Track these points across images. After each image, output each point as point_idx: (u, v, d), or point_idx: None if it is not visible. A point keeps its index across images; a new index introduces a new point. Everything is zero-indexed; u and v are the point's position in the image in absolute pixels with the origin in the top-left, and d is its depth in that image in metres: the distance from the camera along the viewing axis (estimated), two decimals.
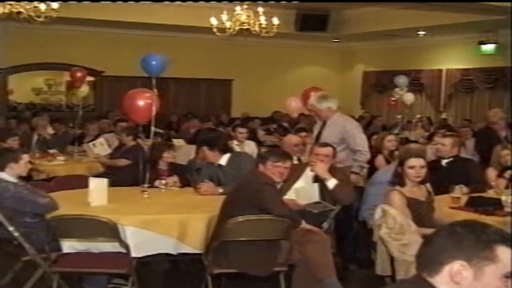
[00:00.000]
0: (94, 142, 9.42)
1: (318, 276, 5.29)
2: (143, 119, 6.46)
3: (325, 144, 6.56)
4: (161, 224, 5.21)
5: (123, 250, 5.07)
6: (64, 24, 13.44)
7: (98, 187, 5.62)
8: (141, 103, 6.26)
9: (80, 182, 6.37)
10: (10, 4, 10.01)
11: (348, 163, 7.12)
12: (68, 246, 5.22)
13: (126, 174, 7.88)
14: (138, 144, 8.28)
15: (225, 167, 6.49)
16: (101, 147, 9.24)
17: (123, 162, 8.56)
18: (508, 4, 10.71)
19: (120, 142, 9.10)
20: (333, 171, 6.17)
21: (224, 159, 6.54)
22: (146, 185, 6.14)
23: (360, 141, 7.20)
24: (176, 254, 5.38)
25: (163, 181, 6.46)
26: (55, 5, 10.20)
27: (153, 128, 6.41)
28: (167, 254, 5.45)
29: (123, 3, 13.78)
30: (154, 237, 5.17)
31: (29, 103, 18.83)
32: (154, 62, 6.62)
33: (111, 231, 4.92)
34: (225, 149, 6.66)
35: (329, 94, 7.54)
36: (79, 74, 12.29)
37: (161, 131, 10.95)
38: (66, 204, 5.47)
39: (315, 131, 7.59)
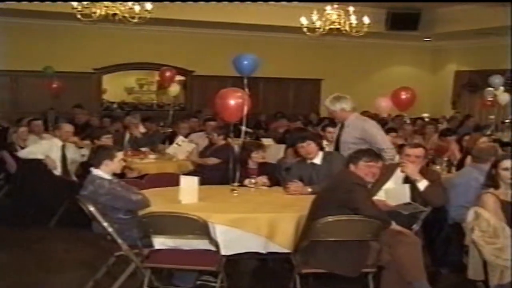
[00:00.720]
0: (176, 142, 9.50)
1: (408, 279, 5.20)
2: (234, 118, 6.51)
3: (417, 145, 6.46)
4: (250, 222, 5.24)
5: (213, 248, 5.13)
6: (156, 25, 13.66)
7: (189, 185, 5.69)
8: (232, 102, 6.31)
9: (171, 180, 6.47)
10: (106, 7, 10.27)
11: None
12: (160, 242, 5.30)
13: (216, 172, 7.96)
14: (228, 143, 8.34)
15: (319, 166, 6.49)
16: (185, 143, 9.34)
17: (212, 160, 8.63)
18: None
19: (210, 141, 9.18)
20: (424, 172, 6.06)
21: (318, 158, 6.54)
22: (235, 184, 6.19)
23: (382, 139, 7.05)
24: (265, 253, 5.39)
25: (253, 180, 6.48)
26: (149, 6, 10.40)
27: (244, 128, 6.45)
28: (256, 253, 5.44)
29: (215, 3, 13.93)
30: (243, 236, 5.21)
31: (121, 102, 19.27)
32: (246, 62, 6.66)
33: (202, 229, 4.98)
34: (321, 148, 6.70)
35: (343, 95, 7.34)
36: (168, 74, 12.52)
37: (250, 130, 10.99)
38: (157, 201, 5.58)
39: (336, 133, 7.53)
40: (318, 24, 11.78)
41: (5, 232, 8.01)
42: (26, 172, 8.71)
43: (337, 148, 7.18)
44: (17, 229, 8.11)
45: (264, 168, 7.01)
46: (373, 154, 5.61)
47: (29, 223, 8.38)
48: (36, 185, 8.42)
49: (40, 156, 8.52)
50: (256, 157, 7.01)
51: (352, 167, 5.40)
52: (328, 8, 11.69)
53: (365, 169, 5.36)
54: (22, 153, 8.87)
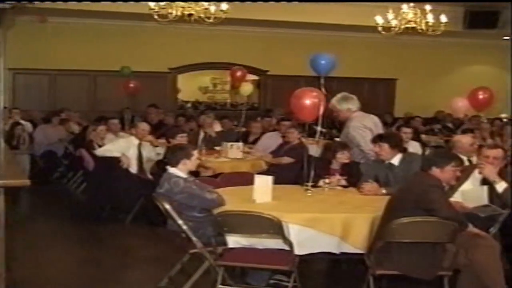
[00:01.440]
0: (231, 143, 9.49)
1: (485, 284, 5.07)
2: (310, 118, 6.51)
3: (495, 146, 6.32)
4: (324, 222, 5.22)
5: (286, 247, 5.13)
6: (231, 25, 13.76)
7: (263, 185, 5.71)
8: (308, 102, 6.31)
9: (245, 179, 6.51)
10: (182, 7, 10.41)
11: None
12: (233, 241, 5.32)
13: (289, 172, 7.96)
14: (302, 142, 8.34)
15: (396, 167, 6.42)
16: (236, 150, 9.32)
17: (286, 160, 8.64)
18: None
19: (284, 140, 9.19)
20: (502, 173, 5.91)
21: (397, 159, 6.47)
22: (309, 184, 6.18)
23: (361, 139, 7.14)
24: (338, 253, 5.36)
25: (327, 180, 6.46)
26: (224, 6, 10.49)
27: (318, 128, 6.43)
28: (329, 253, 5.42)
29: (289, 4, 13.94)
30: (317, 235, 5.19)
31: (196, 101, 19.49)
32: (323, 62, 6.64)
33: (276, 228, 4.99)
34: (402, 149, 6.64)
35: (351, 96, 7.37)
36: (238, 73, 12.57)
37: (324, 130, 10.95)
38: (231, 200, 5.61)
39: None
40: (393, 23, 11.66)
41: (82, 228, 8.22)
42: (103, 170, 8.90)
43: None
44: (94, 225, 8.31)
45: (347, 169, 6.93)
46: (459, 158, 5.51)
47: (105, 219, 8.59)
48: (112, 183, 8.58)
49: (116, 154, 8.68)
50: (341, 157, 6.93)
51: (436, 170, 5.25)
52: (405, 6, 11.56)
53: (452, 174, 5.25)
54: (100, 151, 9.07)
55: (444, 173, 5.22)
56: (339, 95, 7.40)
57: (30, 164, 11.38)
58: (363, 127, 7.27)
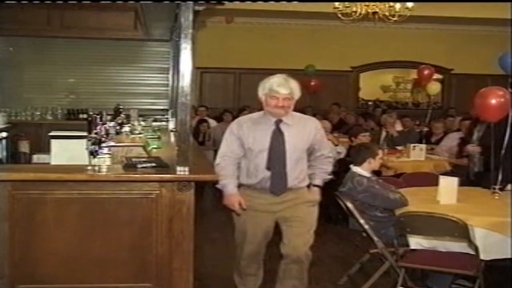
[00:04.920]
0: (414, 145, 9.26)
1: None
2: (495, 118, 6.28)
3: None
4: None
5: (471, 251, 4.98)
6: (414, 22, 13.55)
7: (447, 186, 5.57)
8: (494, 101, 6.09)
9: (428, 180, 6.39)
10: (367, 5, 10.40)
11: None
12: (415, 242, 5.25)
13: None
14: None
15: None
16: (419, 152, 9.08)
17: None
18: None
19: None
20: None
21: None
22: (497, 187, 5.94)
23: None
24: None
25: None
26: (410, 4, 10.36)
27: (508, 129, 6.18)
28: None
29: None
30: (504, 241, 4.98)
31: (376, 100, 19.34)
32: (510, 60, 6.39)
33: (461, 231, 4.85)
34: None
35: None
36: (426, 72, 12.30)
37: (508, 130, 10.49)
38: (414, 200, 5.52)
39: None
40: None
41: None
42: None
43: None
44: None
45: None
46: None
47: None
48: None
49: None
50: None
51: None
52: None
53: None
54: None
55: None
56: None
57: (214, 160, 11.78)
58: None
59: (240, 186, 4.96)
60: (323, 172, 5.09)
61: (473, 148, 7.39)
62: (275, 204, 4.90)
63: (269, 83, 4.79)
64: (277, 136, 4.81)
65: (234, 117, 12.95)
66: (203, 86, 16.11)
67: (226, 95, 16.18)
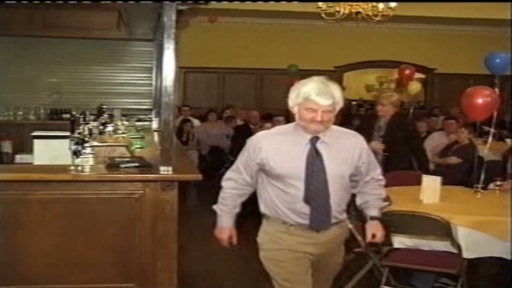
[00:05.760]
0: None
1: None
2: (481, 118, 6.32)
3: None
4: (495, 226, 5.02)
5: (454, 250, 5.00)
6: (397, 22, 13.62)
7: (430, 185, 5.59)
8: (480, 101, 6.13)
9: (411, 179, 6.41)
10: (350, 5, 10.43)
11: None
12: (399, 241, 5.26)
13: (457, 172, 7.76)
14: (472, 143, 8.10)
15: None
16: None
17: (453, 160, 8.43)
18: None
19: (453, 140, 8.97)
20: None
21: None
22: (479, 186, 5.98)
23: None
24: (509, 259, 5.15)
25: (498, 183, 6.22)
26: (393, 4, 10.40)
27: (492, 129, 6.23)
28: (499, 258, 5.23)
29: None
30: (487, 240, 5.01)
31: (360, 99, 19.40)
32: (498, 60, 6.44)
33: (443, 230, 4.89)
34: None
35: None
36: (407, 72, 12.36)
37: (493, 130, 10.58)
38: (398, 200, 5.52)
39: None
40: None
41: (247, 223, 8.39)
42: None
43: None
44: (259, 221, 8.45)
45: None
46: None
47: None
48: None
49: None
50: None
51: None
52: None
53: None
54: None
55: None
56: None
57: (198, 160, 11.80)
58: None
59: (261, 216, 3.99)
60: (378, 198, 4.10)
61: (375, 145, 6.97)
62: (313, 244, 3.79)
63: (304, 90, 3.62)
64: (314, 159, 3.65)
65: (219, 117, 13.04)
66: (187, 85, 16.10)
67: (210, 95, 16.17)
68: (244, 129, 11.59)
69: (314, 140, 3.66)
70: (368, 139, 6.18)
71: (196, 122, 12.79)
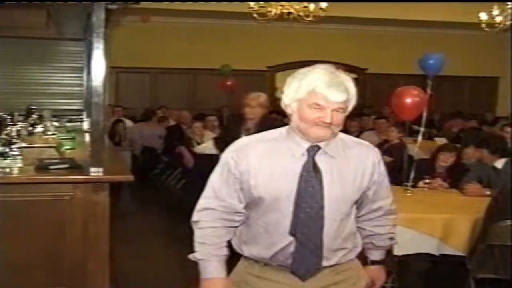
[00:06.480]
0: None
1: None
2: (411, 117, 6.44)
3: None
4: (424, 223, 5.15)
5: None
6: (329, 23, 13.75)
7: None
8: (409, 101, 6.24)
9: None
10: (282, 6, 10.49)
11: None
12: None
13: (388, 171, 7.87)
14: (402, 142, 8.24)
15: (500, 170, 6.24)
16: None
17: (384, 159, 8.53)
18: None
19: (383, 139, 9.11)
20: None
21: (500, 162, 6.29)
22: (409, 184, 6.09)
23: None
24: (438, 255, 5.27)
25: (427, 180, 6.35)
26: (324, 4, 10.50)
27: (417, 127, 6.35)
28: (428, 254, 5.34)
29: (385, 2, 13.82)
30: (416, 236, 5.13)
31: None
32: (432, 61, 6.57)
33: None
34: (504, 154, 6.42)
35: None
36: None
37: (423, 129, 10.79)
38: None
39: None
40: (498, 19, 11.36)
41: (181, 225, 8.34)
42: (202, 167, 9.02)
43: None
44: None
45: (453, 171, 6.73)
46: None
47: None
48: None
49: (215, 152, 8.79)
50: (444, 160, 6.78)
51: None
52: (510, 3, 11.24)
53: None
54: (199, 149, 9.21)
55: None
56: None
57: (131, 161, 11.70)
58: None
59: (234, 255, 2.89)
60: (386, 238, 3.03)
61: None
62: None
63: (309, 81, 2.65)
64: (310, 176, 2.65)
65: (150, 117, 12.93)
66: (119, 86, 15.92)
67: (143, 95, 16.03)
68: (176, 130, 11.55)
69: (313, 149, 2.67)
70: None
71: (128, 122, 12.67)
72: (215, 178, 2.81)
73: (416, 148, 6.65)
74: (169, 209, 9.47)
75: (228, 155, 2.76)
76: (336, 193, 2.66)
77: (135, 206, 9.79)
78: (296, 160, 2.66)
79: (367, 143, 2.95)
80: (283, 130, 2.78)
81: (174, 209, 9.31)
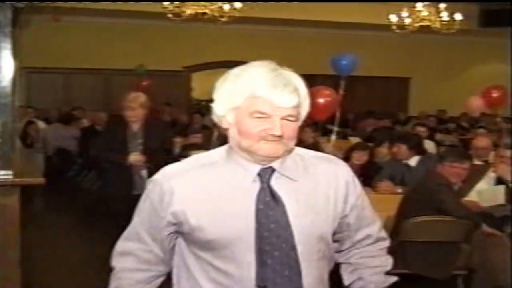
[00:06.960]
0: None
1: (500, 283, 5.07)
2: (323, 117, 6.53)
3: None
4: None
5: None
6: (245, 24, 13.80)
7: None
8: (321, 101, 6.33)
9: None
10: (196, 6, 10.47)
11: None
12: None
13: None
14: (317, 141, 8.34)
15: (413, 168, 6.39)
16: None
17: None
18: None
19: (298, 139, 9.20)
20: None
21: (414, 160, 6.44)
22: None
23: None
24: None
25: None
26: (238, 5, 10.54)
27: (330, 126, 6.44)
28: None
29: (300, 3, 13.95)
30: None
31: (210, 100, 19.43)
32: (344, 62, 6.67)
33: None
34: (420, 151, 6.58)
35: None
36: None
37: (337, 129, 10.96)
38: None
39: None
40: (407, 21, 11.66)
41: (96, 227, 8.24)
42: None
43: None
44: (109, 224, 8.33)
45: (367, 169, 6.84)
46: (459, 154, 5.46)
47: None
48: None
49: None
50: (357, 158, 6.88)
51: (439, 167, 5.30)
52: (419, 5, 11.54)
53: (449, 169, 5.24)
54: None
55: (443, 169, 5.23)
56: None
57: (45, 162, 11.44)
58: None
59: None
60: (378, 273, 2.37)
61: (135, 157, 6.01)
62: None
63: (246, 81, 2.11)
64: (269, 208, 2.03)
65: (62, 119, 12.66)
66: (31, 86, 15.52)
67: (56, 96, 15.67)
68: (90, 131, 11.37)
69: (266, 173, 2.07)
70: (123, 152, 5.96)
71: (41, 124, 12.39)
72: (140, 216, 2.17)
73: (330, 147, 6.74)
74: (85, 210, 9.34)
75: (153, 191, 2.12)
76: (307, 228, 2.04)
77: (49, 209, 9.58)
78: (247, 190, 2.03)
79: (333, 158, 2.29)
80: (221, 150, 2.17)
81: (89, 210, 9.18)
